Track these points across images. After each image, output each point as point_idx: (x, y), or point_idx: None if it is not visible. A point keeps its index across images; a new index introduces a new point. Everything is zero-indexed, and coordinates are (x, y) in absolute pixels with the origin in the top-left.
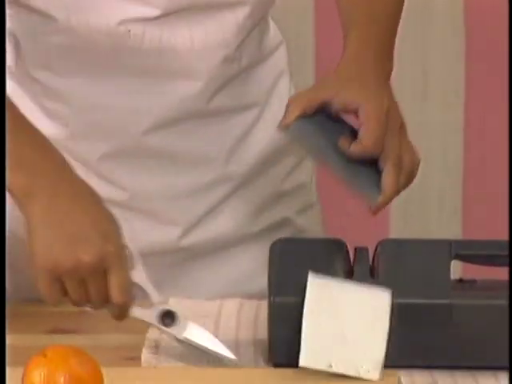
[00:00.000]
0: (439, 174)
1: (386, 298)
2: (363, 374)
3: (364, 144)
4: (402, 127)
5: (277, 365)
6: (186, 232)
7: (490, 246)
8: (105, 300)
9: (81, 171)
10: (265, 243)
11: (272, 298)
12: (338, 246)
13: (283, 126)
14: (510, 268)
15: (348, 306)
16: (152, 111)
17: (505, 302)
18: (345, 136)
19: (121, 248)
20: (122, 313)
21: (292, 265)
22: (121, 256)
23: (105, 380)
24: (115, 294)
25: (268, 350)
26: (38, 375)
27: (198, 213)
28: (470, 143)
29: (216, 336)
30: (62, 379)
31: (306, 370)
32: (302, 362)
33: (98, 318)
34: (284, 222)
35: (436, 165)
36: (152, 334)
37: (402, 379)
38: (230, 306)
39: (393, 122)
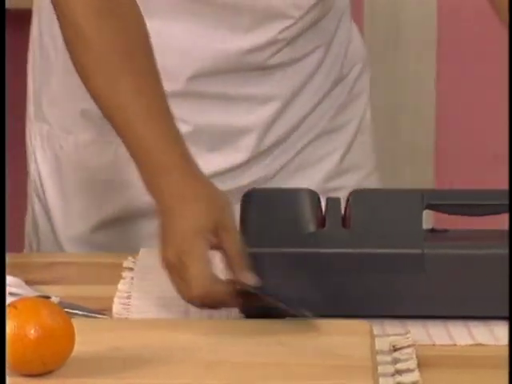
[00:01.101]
0: (412, 124)
1: None
2: None
3: None
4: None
5: (249, 316)
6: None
7: (461, 195)
8: None
9: None
10: None
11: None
12: (309, 196)
13: None
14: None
15: None
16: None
17: (476, 251)
18: None
19: None
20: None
21: (264, 215)
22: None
23: (76, 331)
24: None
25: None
26: (8, 327)
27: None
28: (442, 93)
29: None
30: (32, 331)
31: (277, 320)
32: None
33: (68, 269)
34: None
35: (409, 115)
36: (123, 286)
37: (374, 329)
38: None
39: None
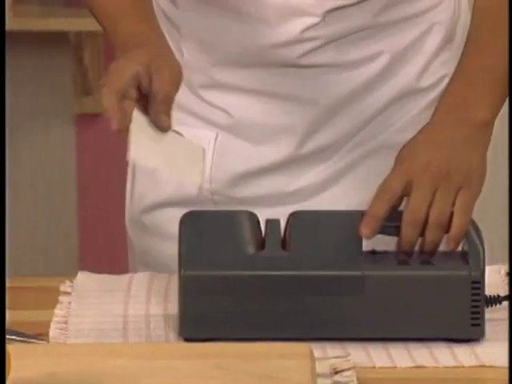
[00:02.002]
0: None
1: None
2: None
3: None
4: (466, 191)
5: (188, 339)
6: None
7: (401, 217)
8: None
9: (189, 95)
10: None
11: (182, 272)
12: (248, 217)
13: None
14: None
15: None
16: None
17: (416, 272)
18: None
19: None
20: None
21: (202, 238)
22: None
23: (11, 357)
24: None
25: (179, 324)
26: None
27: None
28: None
29: (125, 311)
30: None
31: (216, 343)
32: None
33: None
34: None
35: None
36: (60, 310)
37: (314, 352)
38: (141, 279)
39: (439, 179)
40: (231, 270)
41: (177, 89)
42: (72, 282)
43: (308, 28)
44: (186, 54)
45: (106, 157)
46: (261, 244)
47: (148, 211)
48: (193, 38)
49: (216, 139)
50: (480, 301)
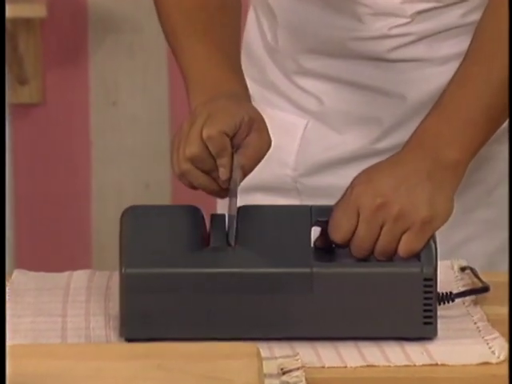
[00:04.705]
0: None
1: None
2: None
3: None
4: (415, 234)
5: (129, 339)
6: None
7: None
8: None
9: (282, 79)
10: None
11: (123, 270)
12: (192, 212)
13: None
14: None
15: None
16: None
17: (366, 269)
18: None
19: None
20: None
21: (145, 234)
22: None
23: None
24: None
25: (120, 323)
26: None
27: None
28: None
29: (64, 310)
30: None
31: (158, 343)
32: None
33: None
34: None
35: None
36: None
37: (261, 351)
38: (80, 277)
39: (388, 217)
40: (174, 268)
41: (256, 164)
42: (7, 281)
43: (397, 26)
44: (281, 41)
45: (42, 148)
46: (206, 240)
47: None
48: (287, 26)
49: (306, 126)
50: (432, 299)
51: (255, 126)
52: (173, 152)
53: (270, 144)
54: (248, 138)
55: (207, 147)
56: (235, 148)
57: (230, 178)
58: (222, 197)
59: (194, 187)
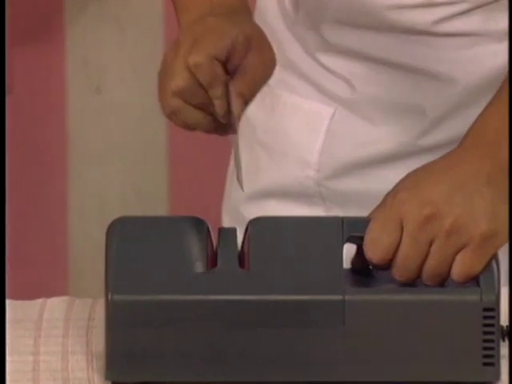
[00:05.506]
0: None
1: None
2: None
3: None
4: (481, 246)
5: None
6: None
7: None
8: None
9: (304, 58)
10: None
11: (110, 296)
12: (195, 225)
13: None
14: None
15: None
16: None
17: (411, 297)
18: None
19: None
20: None
21: (135, 252)
22: None
23: None
24: None
25: (105, 364)
26: None
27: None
28: None
29: (36, 347)
30: None
31: None
32: None
33: None
34: None
35: None
36: None
37: None
38: (56, 305)
39: (439, 232)
40: (173, 294)
41: (258, 90)
42: None
43: None
44: (302, 9)
45: (8, 147)
46: (212, 260)
47: (246, 201)
48: None
49: (333, 116)
50: (494, 333)
51: (253, 44)
52: (160, 89)
53: (274, 63)
54: (245, 61)
55: (196, 77)
56: (231, 74)
57: (228, 111)
58: (223, 134)
59: (189, 127)
